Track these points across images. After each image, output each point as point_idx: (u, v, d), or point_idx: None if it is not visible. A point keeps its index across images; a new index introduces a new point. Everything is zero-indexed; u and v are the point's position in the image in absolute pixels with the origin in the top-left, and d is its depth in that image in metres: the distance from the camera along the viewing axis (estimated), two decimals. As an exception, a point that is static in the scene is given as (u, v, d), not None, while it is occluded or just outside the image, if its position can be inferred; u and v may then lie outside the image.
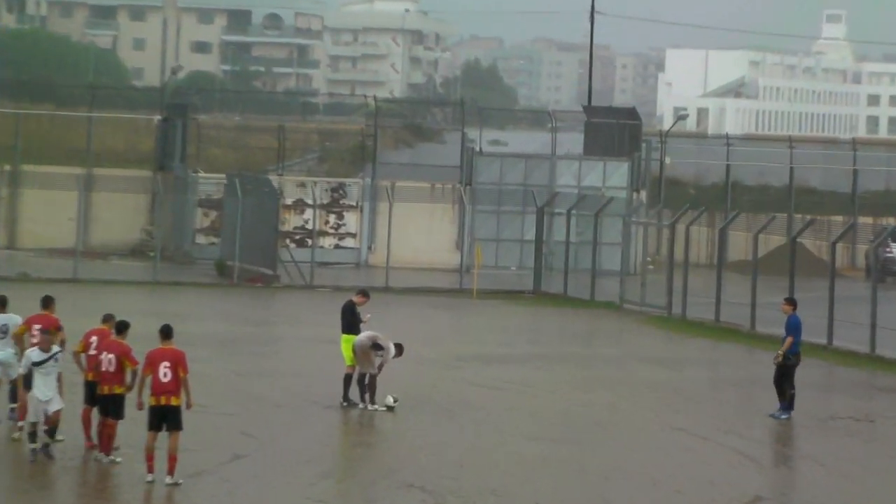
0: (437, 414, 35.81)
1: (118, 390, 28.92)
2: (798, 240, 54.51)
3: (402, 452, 32.07)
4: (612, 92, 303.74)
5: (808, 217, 60.46)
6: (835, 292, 49.99)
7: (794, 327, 37.50)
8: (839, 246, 54.90)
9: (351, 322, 36.85)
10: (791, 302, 38.57)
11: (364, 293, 37.91)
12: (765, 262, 55.84)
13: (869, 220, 77.53)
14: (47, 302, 31.74)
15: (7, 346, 30.91)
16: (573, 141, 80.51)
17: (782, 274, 53.05)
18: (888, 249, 65.66)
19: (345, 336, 36.76)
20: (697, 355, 49.21)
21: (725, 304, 54.74)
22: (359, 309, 37.03)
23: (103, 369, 29.01)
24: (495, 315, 57.55)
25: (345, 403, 36.18)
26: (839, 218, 72.63)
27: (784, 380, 37.07)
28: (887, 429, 37.26)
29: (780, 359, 37.19)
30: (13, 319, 31.06)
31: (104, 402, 29.07)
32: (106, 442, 29.13)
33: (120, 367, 28.94)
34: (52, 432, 28.87)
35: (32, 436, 28.74)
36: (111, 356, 29.03)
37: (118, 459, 28.99)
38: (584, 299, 61.44)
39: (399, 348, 36.84)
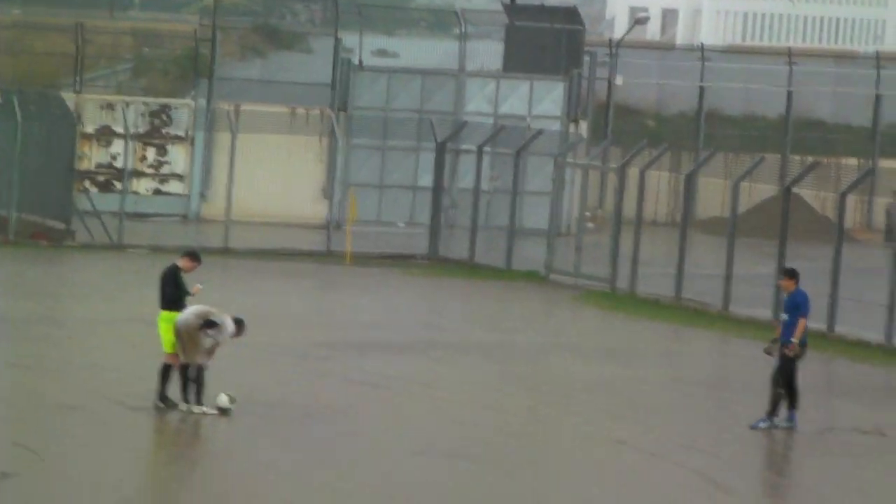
0: (291, 421, 36.05)
1: None
2: (794, 190, 54.78)
3: (239, 472, 32.24)
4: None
5: (810, 159, 61.01)
6: (841, 262, 50.39)
7: (803, 306, 37.78)
8: (850, 199, 55.27)
9: (174, 294, 36.96)
10: (792, 274, 38.72)
11: (193, 256, 38.03)
12: (747, 219, 56.11)
13: (894, 163, 77.93)
14: None
15: None
16: (489, 52, 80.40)
17: (770, 236, 53.47)
18: (919, 206, 66.51)
19: (164, 313, 36.81)
20: (650, 345, 49.62)
21: (691, 276, 55.23)
22: (184, 277, 37.20)
23: None
24: (377, 288, 57.79)
25: (161, 404, 36.28)
26: (853, 161, 73.29)
27: (791, 377, 37.49)
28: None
29: (796, 349, 37.45)
30: None
31: None
32: None
33: None
34: None
35: None
36: None
37: None
38: (499, 268, 61.73)
39: (239, 325, 36.83)
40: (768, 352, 37.93)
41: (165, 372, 36.52)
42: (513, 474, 33.14)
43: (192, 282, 36.94)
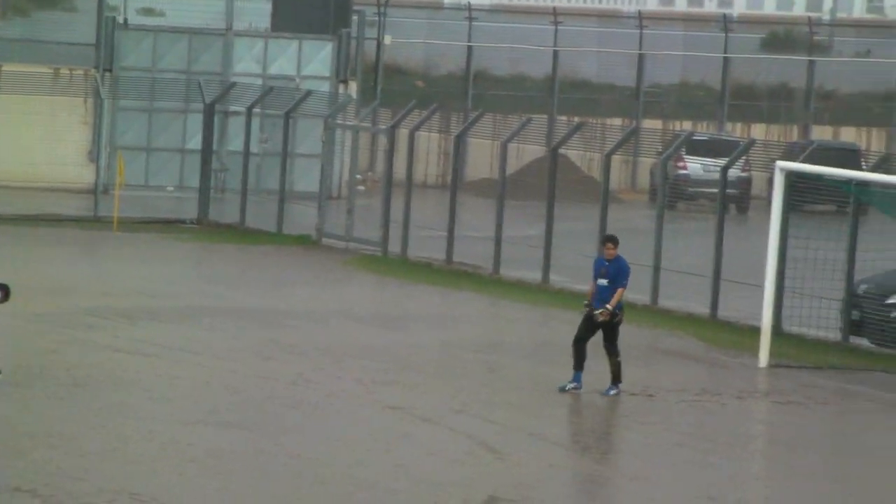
0: (57, 391, 35.91)
1: None
2: (561, 150, 55.09)
3: (9, 446, 32.18)
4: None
5: (576, 120, 61.36)
6: (607, 221, 50.70)
7: (625, 273, 38.21)
8: (615, 159, 55.55)
9: None
10: (614, 241, 39.01)
11: None
12: (516, 181, 56.38)
13: (658, 123, 78.59)
14: None
15: None
16: (257, 12, 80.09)
17: (539, 197, 53.69)
18: (680, 164, 67.08)
19: None
20: (422, 309, 49.76)
21: (462, 238, 55.48)
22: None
23: None
24: (145, 254, 57.45)
25: None
26: (618, 121, 73.90)
27: (609, 342, 37.91)
28: (669, 405, 38.19)
29: (607, 315, 37.84)
30: None
31: None
32: None
33: None
34: None
35: None
36: None
37: None
38: (270, 232, 61.69)
39: (4, 290, 36.70)
40: (600, 317, 38.09)
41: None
42: (284, 441, 33.25)
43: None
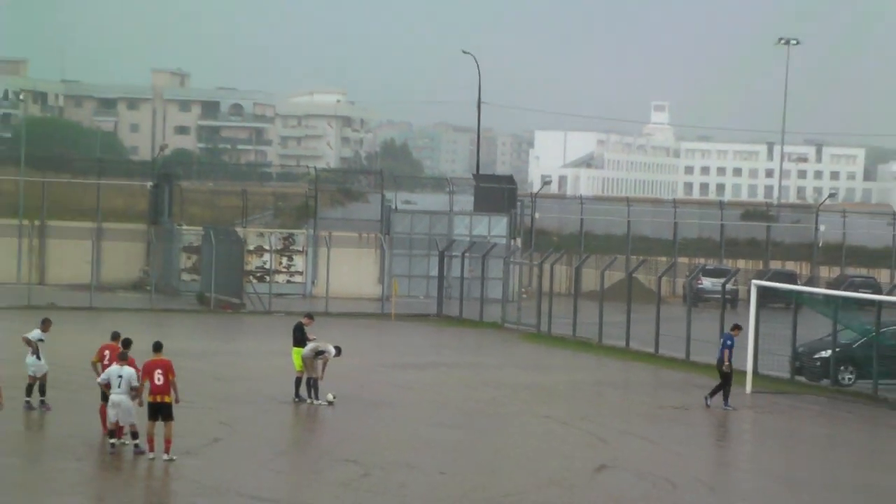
0: (365, 407, 35.90)
1: (127, 391, 29.29)
2: (633, 275, 54.83)
3: (339, 436, 32.23)
4: (495, 164, 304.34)
5: (641, 258, 61.02)
6: (660, 314, 50.40)
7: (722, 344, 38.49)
8: (664, 279, 55.42)
9: (299, 338, 37.12)
10: (740, 327, 39.34)
11: (310, 316, 38.17)
12: (609, 291, 56.06)
13: (685, 259, 78.24)
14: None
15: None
16: (465, 201, 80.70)
17: (622, 301, 53.38)
18: (699, 282, 66.50)
19: (295, 348, 36.99)
20: (560, 362, 49.13)
21: (580, 323, 54.83)
22: (306, 328, 37.32)
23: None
24: (408, 332, 57.17)
25: (296, 399, 36.43)
26: (664, 258, 73.37)
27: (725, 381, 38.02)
28: (700, 416, 37.58)
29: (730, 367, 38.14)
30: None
31: (117, 399, 29.43)
32: (119, 429, 29.42)
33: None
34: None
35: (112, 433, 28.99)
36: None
37: (126, 442, 29.26)
38: (475, 320, 61.25)
39: (338, 350, 37.06)
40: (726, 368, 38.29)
41: (297, 381, 36.64)
42: (486, 435, 33.10)
43: (310, 332, 37.10)
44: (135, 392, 28.74)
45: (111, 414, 28.64)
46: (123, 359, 29.04)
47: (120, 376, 28.68)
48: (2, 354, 29.00)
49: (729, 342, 38.35)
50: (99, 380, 29.23)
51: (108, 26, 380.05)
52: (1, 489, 25.96)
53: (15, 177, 77.59)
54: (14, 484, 26.30)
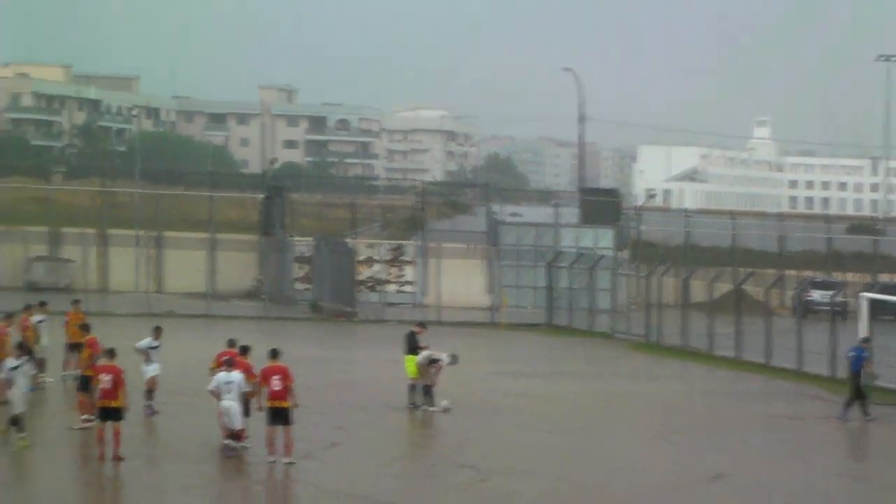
0: (478, 415, 35.83)
1: (246, 395, 29.47)
2: (742, 287, 54.41)
3: (454, 442, 32.19)
4: (598, 178, 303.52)
5: (748, 270, 60.41)
6: (771, 326, 49.89)
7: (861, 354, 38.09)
8: (772, 291, 54.84)
9: (412, 346, 37.16)
10: (868, 340, 39.04)
11: (422, 324, 38.20)
12: (717, 303, 55.61)
13: (793, 272, 77.32)
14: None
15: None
16: (570, 213, 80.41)
17: (729, 312, 52.93)
18: (808, 294, 65.63)
19: (407, 356, 37.05)
20: (671, 371, 48.79)
21: (689, 333, 54.58)
22: (418, 336, 37.32)
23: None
24: (518, 342, 57.14)
25: (410, 406, 36.48)
26: (771, 271, 72.62)
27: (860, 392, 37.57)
28: (814, 426, 37.04)
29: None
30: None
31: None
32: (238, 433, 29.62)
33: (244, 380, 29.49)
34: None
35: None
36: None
37: (248, 446, 29.42)
38: (584, 330, 61.05)
39: (453, 358, 36.99)
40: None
41: (411, 388, 36.65)
42: (599, 442, 32.85)
43: (422, 340, 37.10)
44: (250, 395, 28.91)
45: (223, 419, 28.79)
46: (231, 365, 29.19)
47: (228, 382, 28.84)
48: (125, 361, 29.33)
49: (865, 354, 37.89)
50: (209, 388, 29.35)
51: (217, 44, 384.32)
52: (123, 489, 26.21)
53: (131, 189, 78.63)
54: (138, 484, 26.53)
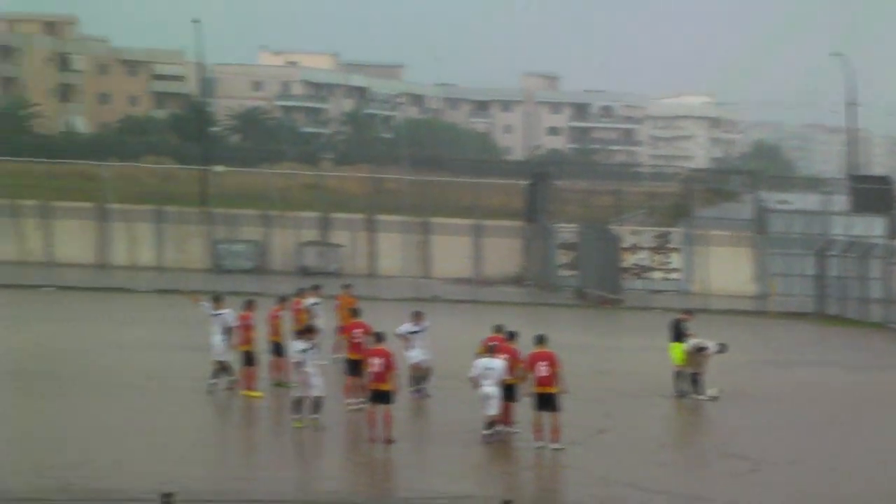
0: (747, 404, 35.35)
1: (512, 381, 29.56)
2: None
3: (723, 431, 31.91)
4: (870, 165, 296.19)
5: None
6: None
7: None
8: None
9: (678, 333, 36.78)
10: None
11: (688, 312, 37.81)
12: None
13: None
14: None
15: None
16: (839, 201, 78.41)
17: None
18: None
19: (673, 344, 36.70)
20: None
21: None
22: (684, 324, 36.92)
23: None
24: (787, 331, 55.96)
25: (677, 393, 36.09)
26: None
27: None
28: None
29: None
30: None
31: (503, 390, 29.67)
32: (507, 418, 29.76)
33: (512, 365, 29.58)
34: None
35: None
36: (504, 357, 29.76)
37: (516, 431, 29.61)
38: (856, 320, 59.11)
39: (722, 346, 36.48)
40: None
41: (677, 376, 36.27)
42: (876, 431, 32.15)
43: (688, 328, 36.58)
44: (517, 380, 29.07)
45: (484, 405, 28.89)
46: (492, 351, 29.31)
47: (489, 368, 28.94)
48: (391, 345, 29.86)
49: None
50: (470, 375, 29.47)
51: (480, 31, 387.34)
52: (393, 470, 26.67)
53: (399, 175, 79.90)
54: (405, 466, 26.98)
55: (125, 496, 21.77)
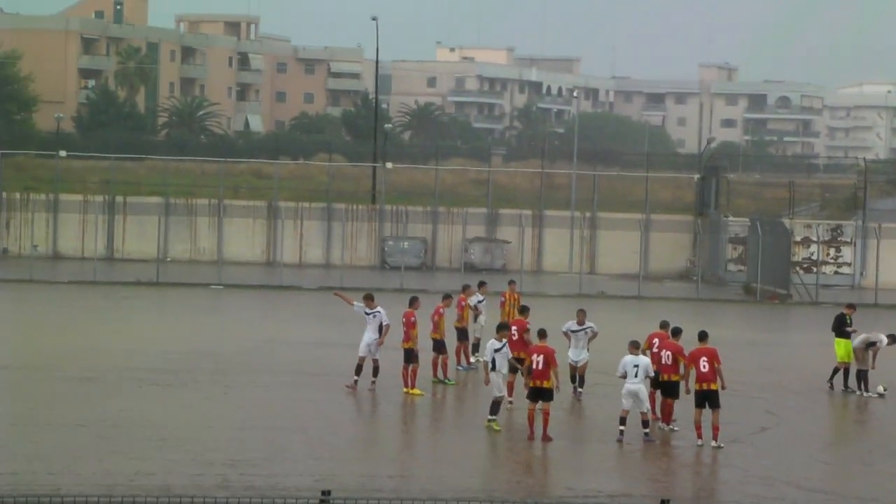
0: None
1: (674, 378, 29.39)
2: None
3: (890, 429, 31.23)
4: None
5: None
6: None
7: None
8: None
9: (840, 328, 36.06)
10: None
11: (851, 305, 37.01)
12: None
13: None
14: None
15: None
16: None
17: None
18: None
19: (837, 339, 36.02)
20: None
21: None
22: (846, 318, 36.11)
23: (663, 363, 29.50)
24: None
25: (844, 390, 35.28)
26: None
27: None
28: None
29: None
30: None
31: (664, 387, 29.59)
32: (667, 416, 29.59)
33: (675, 362, 29.38)
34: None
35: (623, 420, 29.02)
36: (668, 353, 29.52)
37: (675, 429, 29.34)
38: None
39: (892, 338, 35.67)
40: None
41: (834, 372, 35.53)
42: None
43: (851, 321, 35.76)
44: (679, 377, 28.86)
45: (625, 403, 28.54)
46: (637, 348, 28.98)
47: (636, 366, 28.65)
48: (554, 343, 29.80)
49: None
50: (618, 373, 29.14)
51: (657, 23, 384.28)
52: (550, 468, 26.61)
53: (568, 170, 79.69)
54: (562, 464, 26.87)
55: (283, 493, 22.01)
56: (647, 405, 28.62)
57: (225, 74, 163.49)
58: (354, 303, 33.61)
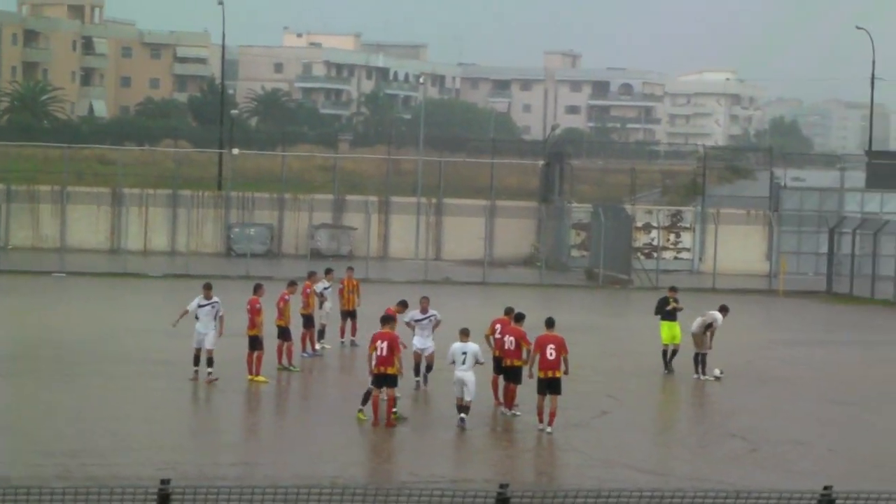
0: (752, 383, 35.22)
1: (517, 363, 29.55)
2: None
3: (726, 411, 31.77)
4: (888, 140, 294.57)
5: None
6: None
7: None
8: None
9: (662, 310, 36.41)
10: None
11: (674, 289, 37.21)
12: None
13: None
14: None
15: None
16: (857, 178, 78.01)
17: None
18: None
19: (661, 322, 36.45)
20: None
21: None
22: (671, 300, 36.23)
23: (506, 348, 29.66)
24: (797, 309, 55.83)
25: (665, 372, 35.91)
26: None
27: None
28: None
29: None
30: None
31: (507, 372, 29.75)
32: (509, 401, 29.77)
33: (518, 347, 29.54)
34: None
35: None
36: (512, 338, 29.66)
37: (518, 413, 29.53)
38: (866, 297, 59.11)
39: (723, 308, 36.10)
40: None
41: (663, 354, 36.09)
42: (880, 413, 31.99)
43: (678, 303, 36.39)
44: (523, 363, 28.97)
45: (456, 391, 28.66)
46: (466, 335, 29.07)
47: (464, 353, 28.75)
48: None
49: None
50: (448, 361, 29.15)
51: (504, 11, 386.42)
52: (393, 454, 26.59)
53: (414, 157, 79.78)
54: (404, 449, 26.85)
55: (123, 483, 21.73)
56: (472, 394, 28.56)
57: (69, 58, 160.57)
58: (188, 308, 33.05)
